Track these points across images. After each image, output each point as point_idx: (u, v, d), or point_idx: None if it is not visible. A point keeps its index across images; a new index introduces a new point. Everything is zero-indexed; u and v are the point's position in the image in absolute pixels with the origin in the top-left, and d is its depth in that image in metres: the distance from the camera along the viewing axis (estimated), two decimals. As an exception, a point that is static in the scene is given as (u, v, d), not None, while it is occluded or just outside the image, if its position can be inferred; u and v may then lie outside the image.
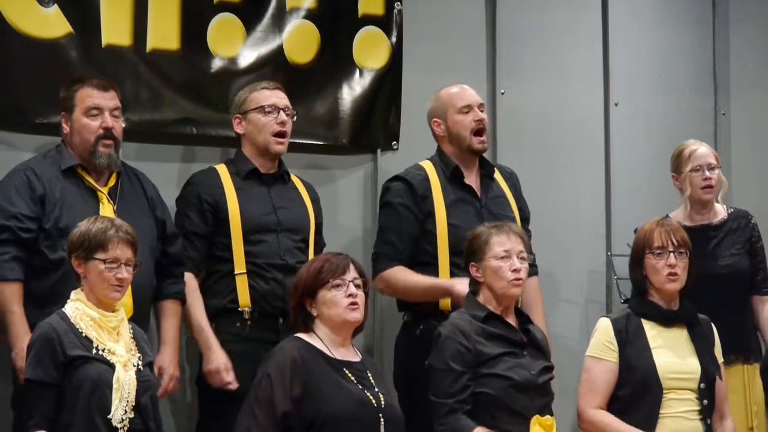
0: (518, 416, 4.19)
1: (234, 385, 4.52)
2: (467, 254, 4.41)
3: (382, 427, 3.93)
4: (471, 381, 4.18)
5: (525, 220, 5.06)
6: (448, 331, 4.26)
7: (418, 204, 4.86)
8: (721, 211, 5.23)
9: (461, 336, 4.22)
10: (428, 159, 4.98)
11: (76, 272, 3.94)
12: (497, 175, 5.05)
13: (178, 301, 4.60)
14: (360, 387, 3.97)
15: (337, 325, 4.03)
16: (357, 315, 4.02)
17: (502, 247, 4.33)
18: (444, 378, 4.20)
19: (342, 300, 4.00)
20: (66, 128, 4.49)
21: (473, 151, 4.93)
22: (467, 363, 4.19)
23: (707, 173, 5.16)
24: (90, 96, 4.45)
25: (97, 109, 4.44)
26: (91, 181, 4.46)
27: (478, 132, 4.91)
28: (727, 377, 4.71)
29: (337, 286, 4.01)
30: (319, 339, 4.03)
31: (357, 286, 4.04)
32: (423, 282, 4.78)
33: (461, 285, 4.58)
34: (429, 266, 4.82)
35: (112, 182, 4.50)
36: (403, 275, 4.82)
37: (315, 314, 4.04)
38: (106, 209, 4.40)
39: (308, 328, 4.05)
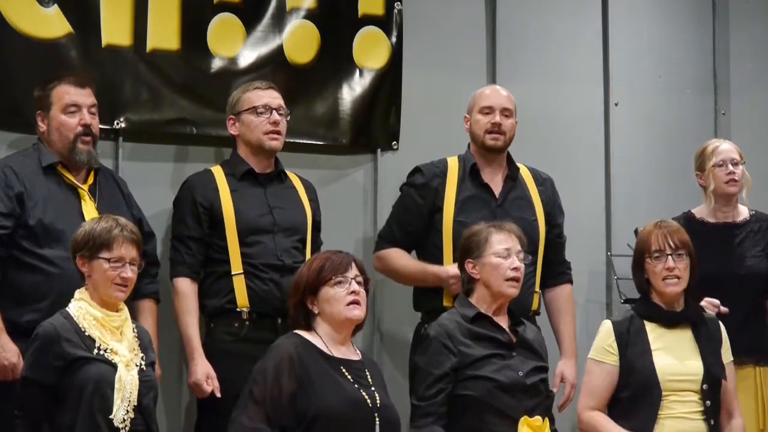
0: (505, 417, 4.17)
1: (218, 393, 4.51)
2: (463, 251, 4.40)
3: (377, 427, 3.91)
4: (448, 384, 4.18)
5: (555, 226, 5.04)
6: (434, 332, 4.28)
7: (426, 198, 4.93)
8: (744, 212, 5.19)
9: (446, 338, 4.23)
10: (459, 154, 5.02)
11: (80, 271, 3.94)
12: (528, 178, 5.05)
13: (154, 300, 4.60)
14: (356, 386, 3.96)
15: (339, 323, 4.02)
16: (358, 313, 4.02)
17: (503, 245, 4.34)
18: (422, 380, 4.22)
19: (344, 297, 4.00)
20: (42, 126, 4.47)
21: (487, 149, 4.94)
22: (450, 366, 4.19)
23: (731, 167, 5.11)
24: (67, 93, 4.44)
25: (75, 106, 4.44)
26: (72, 178, 4.45)
27: (492, 132, 4.92)
28: (738, 378, 4.68)
29: (339, 283, 4.01)
30: (319, 337, 4.02)
31: (359, 283, 4.04)
32: (415, 266, 4.93)
33: (450, 268, 4.70)
34: (436, 261, 4.86)
35: (90, 180, 4.49)
36: (397, 257, 4.97)
37: (316, 312, 4.03)
38: (88, 206, 4.40)
39: (309, 326, 4.04)
